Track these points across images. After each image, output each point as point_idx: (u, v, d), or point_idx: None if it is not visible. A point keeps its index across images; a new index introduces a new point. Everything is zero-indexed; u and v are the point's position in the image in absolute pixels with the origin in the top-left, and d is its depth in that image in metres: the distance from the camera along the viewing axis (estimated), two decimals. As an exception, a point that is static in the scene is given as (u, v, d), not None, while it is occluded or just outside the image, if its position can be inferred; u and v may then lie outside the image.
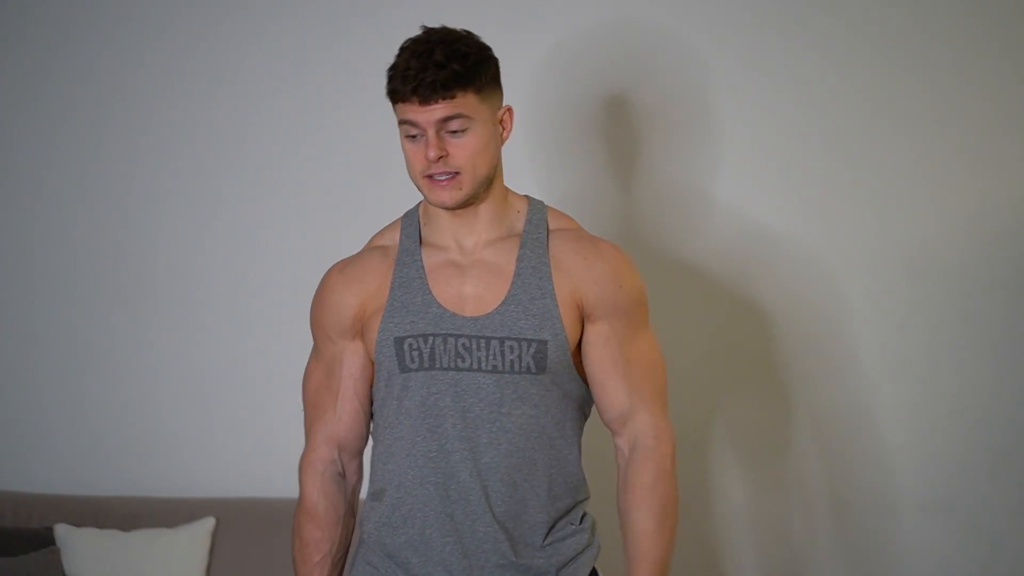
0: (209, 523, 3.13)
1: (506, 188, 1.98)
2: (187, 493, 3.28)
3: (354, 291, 1.96)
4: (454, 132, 1.84)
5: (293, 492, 3.21)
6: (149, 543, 3.08)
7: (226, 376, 3.32)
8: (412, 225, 1.99)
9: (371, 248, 2.02)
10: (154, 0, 3.28)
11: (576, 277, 1.93)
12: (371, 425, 2.02)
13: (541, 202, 2.01)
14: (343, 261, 2.03)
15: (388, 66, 1.86)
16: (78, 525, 3.10)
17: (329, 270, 2.03)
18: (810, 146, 3.14)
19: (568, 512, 1.98)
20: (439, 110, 1.82)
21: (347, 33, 3.23)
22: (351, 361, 1.97)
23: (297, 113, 3.27)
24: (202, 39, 3.28)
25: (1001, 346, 3.14)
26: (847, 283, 3.15)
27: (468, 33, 1.88)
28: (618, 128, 3.14)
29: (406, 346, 1.89)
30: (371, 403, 2.00)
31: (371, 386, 1.98)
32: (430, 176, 1.86)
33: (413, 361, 1.89)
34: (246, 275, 3.30)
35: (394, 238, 2.00)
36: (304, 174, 3.29)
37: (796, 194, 3.15)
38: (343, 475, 2.01)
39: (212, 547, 3.13)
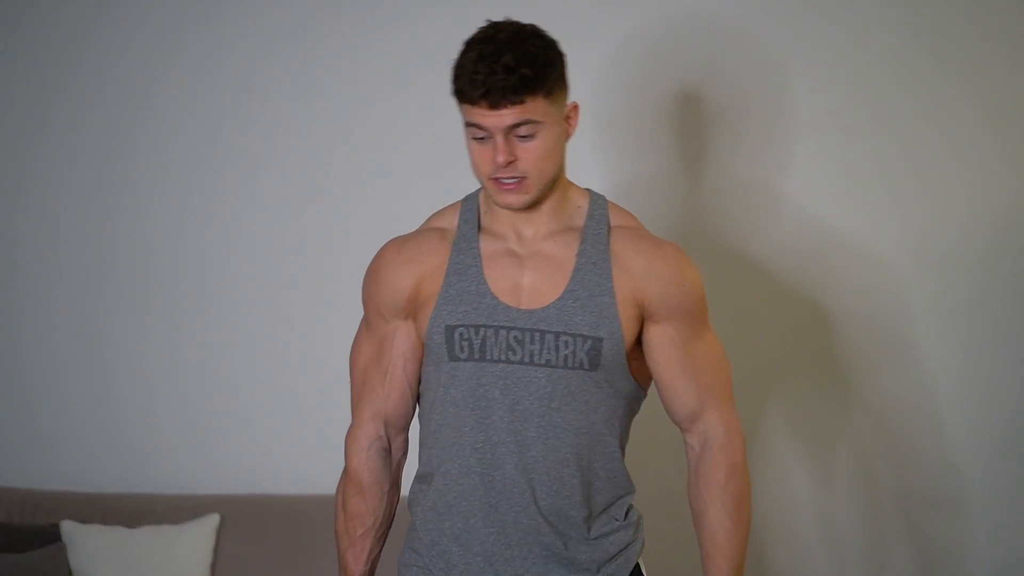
0: (214, 520, 3.14)
1: (568, 181, 1.95)
2: (192, 490, 3.28)
3: (410, 271, 1.94)
4: (523, 137, 1.81)
5: (297, 489, 3.26)
6: (154, 540, 3.08)
7: (231, 374, 3.32)
8: (471, 210, 1.97)
9: (429, 229, 1.99)
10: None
11: (637, 276, 1.91)
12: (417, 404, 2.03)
13: (603, 196, 1.99)
14: (400, 238, 2.00)
15: (454, 62, 1.82)
16: (84, 522, 3.11)
17: (385, 246, 2.00)
18: (879, 147, 3.17)
19: (610, 506, 1.97)
20: (508, 116, 1.78)
21: (360, 27, 3.26)
22: (402, 341, 1.96)
23: (305, 112, 3.28)
24: (219, 40, 3.29)
25: None
26: (912, 281, 3.18)
27: (535, 29, 1.84)
28: (688, 122, 3.16)
29: (456, 335, 1.88)
30: (419, 383, 1.99)
31: (420, 366, 1.97)
32: (496, 179, 1.84)
33: (463, 351, 1.88)
34: (250, 273, 3.31)
35: (452, 221, 1.98)
36: (309, 172, 3.30)
37: (862, 193, 3.18)
38: (388, 450, 2.00)
39: (217, 544, 3.13)
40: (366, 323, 2.00)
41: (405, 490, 2.03)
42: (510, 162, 1.80)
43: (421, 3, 3.23)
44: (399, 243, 1.98)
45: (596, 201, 1.97)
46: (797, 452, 3.25)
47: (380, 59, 3.25)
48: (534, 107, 1.79)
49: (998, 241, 3.15)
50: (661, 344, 1.93)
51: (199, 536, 3.11)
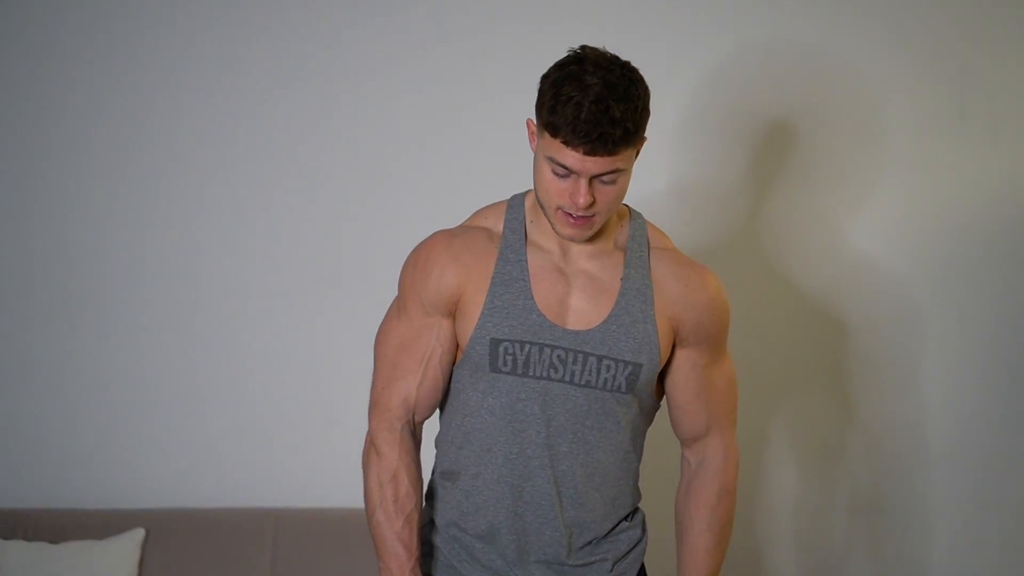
0: (139, 534, 3.12)
1: None
2: (116, 505, 3.26)
3: (458, 270, 1.94)
4: (604, 182, 1.83)
5: (222, 502, 3.25)
6: (78, 555, 3.06)
7: (154, 388, 3.30)
8: (517, 219, 1.98)
9: (476, 227, 2.00)
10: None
11: (675, 304, 1.97)
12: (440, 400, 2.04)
13: (640, 214, 2.04)
14: (449, 233, 2.00)
15: (548, 88, 1.81)
16: (6, 538, 3.08)
17: (434, 238, 2.00)
18: (887, 169, 3.27)
19: (628, 515, 2.07)
20: (600, 164, 1.80)
21: (348, 29, 3.26)
22: (442, 335, 1.96)
23: (283, 113, 3.26)
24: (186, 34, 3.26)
25: None
26: (919, 300, 3.29)
27: (634, 72, 1.83)
28: (761, 140, 3.25)
29: (501, 349, 1.91)
30: (450, 377, 2.00)
31: (454, 362, 1.98)
32: (566, 212, 1.85)
33: (506, 364, 1.91)
34: (176, 288, 3.28)
35: (498, 225, 1.99)
36: (267, 172, 3.28)
37: (874, 213, 3.28)
38: (415, 435, 2.01)
39: (142, 558, 3.11)
40: (402, 309, 1.99)
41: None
42: (590, 204, 1.83)
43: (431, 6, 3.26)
44: (448, 237, 1.98)
45: (636, 219, 2.02)
46: (791, 456, 3.35)
47: (350, 51, 3.27)
48: (624, 157, 1.82)
49: (953, 236, 3.28)
50: (683, 368, 2.01)
51: (124, 551, 3.09)
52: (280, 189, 3.27)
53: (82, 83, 3.24)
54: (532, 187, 1.96)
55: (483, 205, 2.07)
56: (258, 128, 3.25)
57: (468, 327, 1.93)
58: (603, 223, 1.91)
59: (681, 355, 2.01)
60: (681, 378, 2.02)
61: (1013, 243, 3.27)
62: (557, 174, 1.83)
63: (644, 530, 2.11)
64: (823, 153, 3.26)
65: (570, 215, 1.85)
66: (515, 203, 2.00)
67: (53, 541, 3.10)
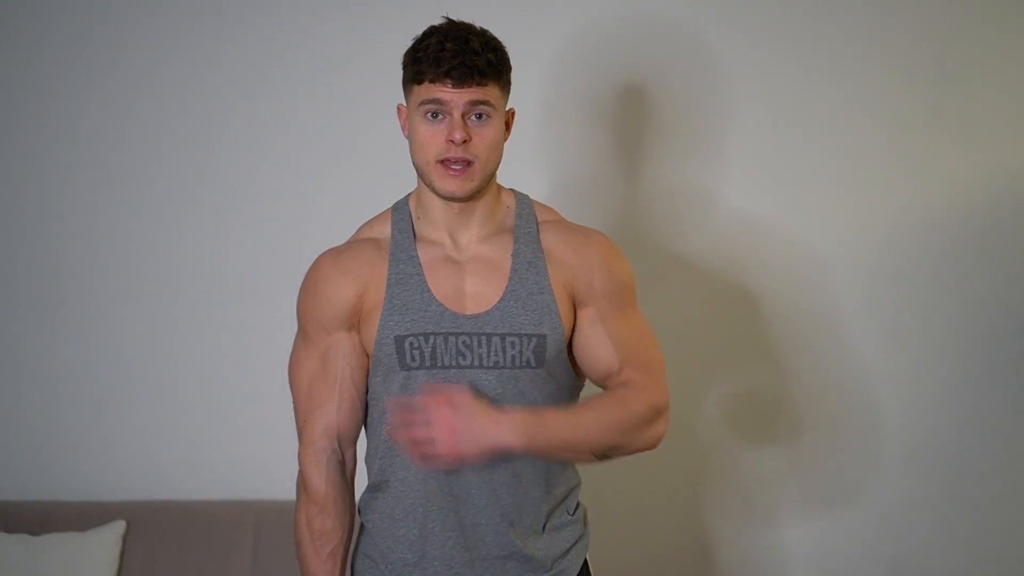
0: (119, 526, 3.14)
1: (498, 184, 2.01)
2: (97, 497, 3.27)
3: (351, 283, 1.95)
4: (479, 118, 1.87)
5: (203, 494, 3.27)
6: (59, 547, 3.07)
7: (136, 380, 3.31)
8: (404, 219, 1.99)
9: (361, 240, 2.01)
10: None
11: (568, 268, 1.98)
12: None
13: (526, 195, 2.06)
14: (333, 251, 2.01)
15: (408, 53, 1.90)
16: None
17: (319, 260, 2.00)
18: (803, 141, 3.27)
19: (564, 500, 2.04)
20: (471, 93, 1.85)
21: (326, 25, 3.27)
22: (348, 352, 1.96)
23: (258, 108, 3.28)
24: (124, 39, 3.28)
25: (996, 330, 3.32)
26: (835, 269, 3.30)
27: (487, 31, 1.92)
28: (625, 121, 3.24)
29: (407, 344, 1.91)
30: (366, 393, 2.00)
31: (367, 376, 1.98)
32: (444, 161, 1.87)
33: (414, 360, 1.91)
34: (156, 279, 3.30)
35: (384, 231, 2.00)
36: (239, 166, 3.30)
37: (790, 187, 3.29)
38: (343, 463, 2.01)
39: (123, 550, 3.13)
40: (304, 338, 2.00)
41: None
42: (465, 141, 1.85)
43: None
44: (333, 256, 1.99)
45: (522, 200, 2.04)
46: (738, 431, 3.36)
47: (345, 70, 3.29)
48: (492, 92, 1.87)
49: (920, 232, 3.28)
50: (583, 327, 1.99)
51: (104, 543, 3.10)
52: (260, 187, 3.29)
53: (68, 81, 3.26)
54: (416, 188, 2.00)
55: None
56: (236, 126, 3.27)
57: (372, 331, 1.93)
58: (484, 177, 1.91)
59: (581, 315, 2.00)
60: (583, 335, 1.99)
61: (982, 239, 3.30)
62: (430, 117, 1.86)
63: (587, 525, 2.10)
64: (674, 119, 3.26)
65: (449, 163, 1.87)
66: (399, 207, 2.03)
67: (34, 533, 3.11)
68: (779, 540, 3.38)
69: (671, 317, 3.16)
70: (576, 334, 2.00)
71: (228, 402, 3.33)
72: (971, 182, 3.28)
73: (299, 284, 3.18)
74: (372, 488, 2.02)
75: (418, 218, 1.99)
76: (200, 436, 3.33)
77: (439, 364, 1.91)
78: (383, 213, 2.04)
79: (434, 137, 1.87)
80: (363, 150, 3.27)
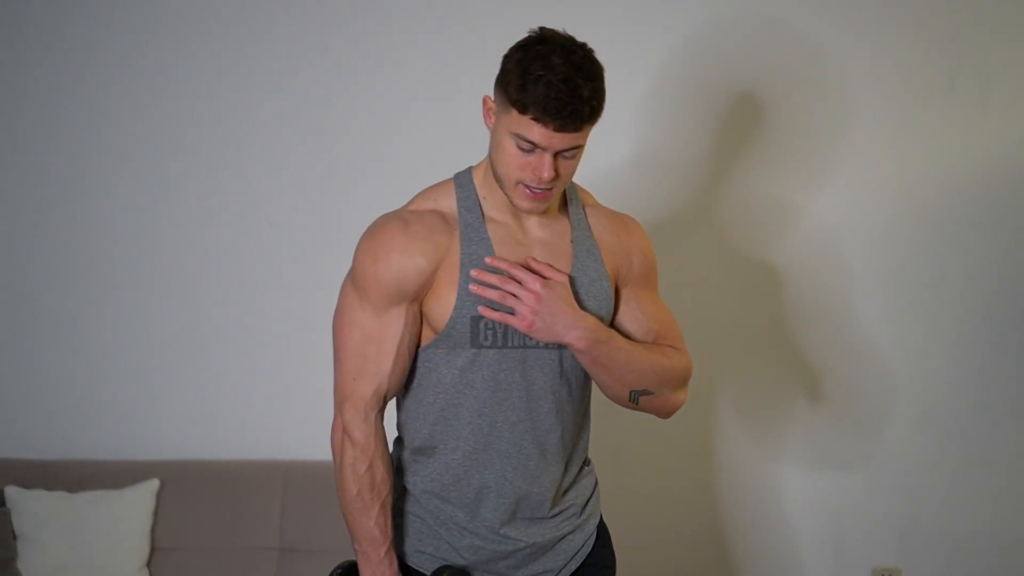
0: (153, 484, 3.20)
1: None
2: (132, 456, 3.33)
3: (425, 255, 1.94)
4: (566, 156, 1.90)
5: (235, 454, 3.34)
6: (96, 504, 3.14)
7: (170, 343, 3.37)
8: (470, 197, 2.00)
9: (428, 210, 1.99)
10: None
11: (614, 253, 2.08)
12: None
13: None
14: (401, 217, 1.98)
15: (513, 67, 1.84)
16: (27, 487, 3.15)
17: (388, 225, 1.97)
18: (813, 115, 3.31)
19: (585, 451, 2.15)
20: (568, 139, 1.86)
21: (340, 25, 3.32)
22: (410, 321, 1.96)
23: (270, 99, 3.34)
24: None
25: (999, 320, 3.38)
26: (848, 239, 3.34)
27: (592, 52, 1.88)
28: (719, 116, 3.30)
29: (482, 325, 1.95)
30: (414, 359, 2.01)
31: (419, 344, 2.00)
32: (527, 186, 1.91)
33: (487, 339, 1.96)
34: (191, 244, 3.36)
35: (449, 204, 2.00)
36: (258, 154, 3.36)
37: (802, 160, 3.33)
38: (382, 421, 2.02)
39: (156, 507, 3.20)
40: (363, 298, 1.97)
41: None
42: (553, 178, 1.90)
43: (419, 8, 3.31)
44: (402, 223, 1.97)
45: (570, 185, 2.09)
46: (753, 400, 3.43)
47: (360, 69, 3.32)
48: (586, 133, 1.89)
49: (933, 201, 3.32)
50: (622, 304, 2.09)
51: (139, 500, 3.16)
52: (280, 170, 3.34)
53: (86, 82, 3.32)
54: (480, 163, 2.02)
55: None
56: (274, 116, 3.33)
57: (444, 309, 1.95)
58: (557, 196, 1.98)
59: (622, 294, 2.10)
60: (622, 313, 2.09)
61: (996, 208, 3.32)
62: (522, 149, 1.88)
63: (595, 474, 2.20)
64: (798, 124, 3.31)
65: (530, 189, 1.91)
66: (463, 182, 2.03)
67: (72, 490, 3.18)
68: (793, 506, 3.45)
69: (691, 292, 3.23)
70: (619, 310, 2.10)
71: (258, 367, 3.39)
72: (986, 151, 3.30)
73: (326, 251, 3.31)
74: (416, 451, 2.06)
75: (484, 197, 2.01)
76: (231, 399, 3.40)
77: (509, 344, 1.97)
78: (444, 184, 2.04)
79: (524, 166, 1.89)
80: (383, 136, 3.32)
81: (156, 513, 3.21)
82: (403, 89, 3.31)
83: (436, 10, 3.29)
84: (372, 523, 1.99)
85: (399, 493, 2.09)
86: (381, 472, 1.99)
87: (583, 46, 1.88)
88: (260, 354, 3.38)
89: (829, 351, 3.38)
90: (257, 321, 3.38)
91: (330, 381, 3.30)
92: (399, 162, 3.31)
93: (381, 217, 2.01)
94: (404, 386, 2.05)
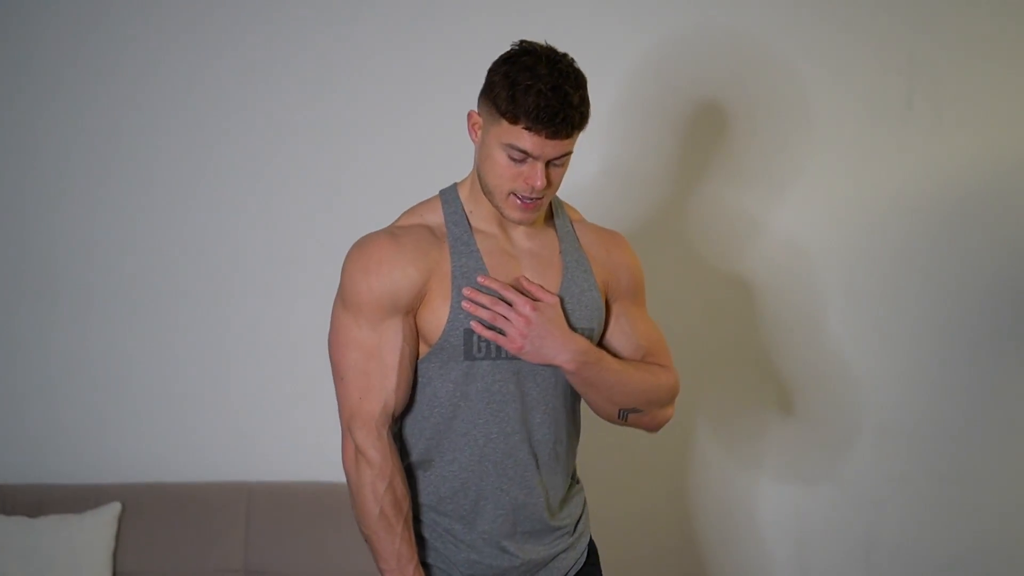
0: (115, 508, 3.17)
1: None
2: (93, 480, 3.30)
3: (418, 266, 1.96)
4: (556, 164, 1.93)
5: (196, 476, 3.32)
6: (56, 529, 3.09)
7: (130, 364, 3.34)
8: (457, 211, 2.02)
9: (415, 225, 2.01)
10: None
11: (603, 267, 2.10)
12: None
13: (555, 195, 2.12)
14: (388, 232, 2.00)
15: (501, 79, 1.87)
16: None
17: (378, 241, 1.99)
18: (776, 133, 3.33)
19: (574, 469, 2.17)
20: (559, 147, 1.90)
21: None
22: (408, 333, 1.97)
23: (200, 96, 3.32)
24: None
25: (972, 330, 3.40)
26: (814, 256, 3.36)
27: (574, 62, 1.92)
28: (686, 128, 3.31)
29: (475, 337, 1.97)
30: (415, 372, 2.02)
31: (418, 357, 2.01)
32: (518, 196, 1.93)
33: (480, 351, 1.97)
34: (147, 264, 3.32)
35: (436, 219, 2.02)
36: (187, 161, 3.33)
37: (768, 178, 3.34)
38: (391, 437, 2.02)
39: (118, 531, 3.16)
40: (358, 316, 1.97)
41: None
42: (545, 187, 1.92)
43: (410, 13, 3.31)
44: (391, 238, 1.98)
45: (555, 199, 2.12)
46: (723, 415, 3.45)
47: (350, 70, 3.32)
48: (575, 140, 1.93)
49: (895, 219, 3.36)
50: (612, 319, 2.12)
51: (101, 525, 3.13)
52: (250, 176, 3.32)
53: (67, 81, 3.29)
54: (465, 178, 2.05)
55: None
56: (234, 121, 3.30)
57: (437, 322, 1.97)
58: (547, 204, 2.00)
59: (612, 309, 2.12)
60: (611, 328, 2.12)
61: (956, 225, 3.36)
62: (514, 159, 1.91)
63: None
64: (761, 138, 3.33)
65: (521, 199, 1.94)
66: (448, 197, 2.05)
67: (32, 515, 3.14)
68: (762, 521, 3.46)
69: (666, 308, 3.24)
70: (609, 325, 2.12)
71: (221, 387, 3.36)
72: (943, 170, 3.34)
73: (291, 273, 3.30)
74: (413, 466, 2.06)
75: (471, 211, 2.03)
76: (194, 420, 3.37)
77: (503, 355, 1.99)
78: (430, 201, 2.06)
79: (515, 177, 1.92)
80: (371, 149, 3.31)
81: (118, 537, 3.17)
82: (388, 97, 3.31)
83: (421, 14, 3.30)
84: (399, 540, 2.00)
85: None
86: (400, 488, 2.00)
87: (566, 56, 1.92)
88: (223, 374, 3.36)
89: (795, 366, 3.39)
90: (220, 340, 3.36)
91: (292, 403, 3.34)
92: (370, 180, 3.30)
93: (367, 234, 2.02)
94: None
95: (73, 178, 3.31)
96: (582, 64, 1.95)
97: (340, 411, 2.01)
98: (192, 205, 3.33)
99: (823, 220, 3.36)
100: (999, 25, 3.32)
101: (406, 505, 2.01)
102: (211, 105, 3.30)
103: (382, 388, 1.97)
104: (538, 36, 2.00)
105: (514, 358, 1.99)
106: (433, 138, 3.23)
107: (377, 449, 1.97)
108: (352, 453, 2.00)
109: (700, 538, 3.46)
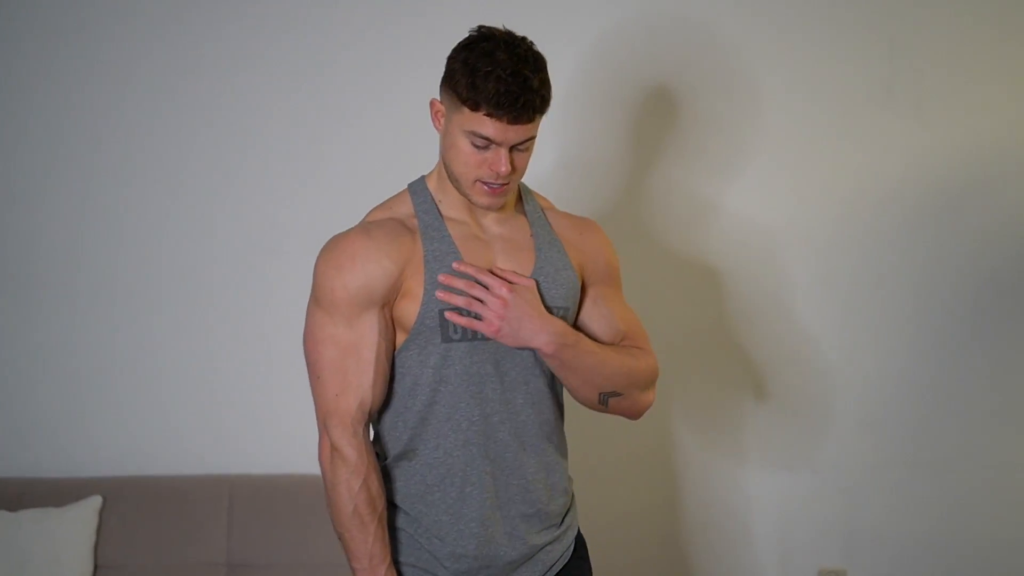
0: (96, 501, 3.17)
1: None
2: (73, 473, 3.30)
3: (393, 257, 1.96)
4: (520, 149, 1.93)
5: (178, 469, 3.32)
6: (37, 522, 3.09)
7: (110, 356, 3.33)
8: (426, 201, 2.03)
9: (387, 219, 2.01)
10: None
11: (577, 250, 2.11)
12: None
13: (524, 183, 2.14)
14: (363, 229, 2.00)
15: (460, 66, 1.87)
16: None
17: (350, 237, 1.98)
18: (752, 118, 3.33)
19: (566, 459, 2.16)
20: (522, 131, 1.89)
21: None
22: (384, 327, 1.97)
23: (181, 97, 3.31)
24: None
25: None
26: (788, 244, 3.37)
27: (534, 46, 1.92)
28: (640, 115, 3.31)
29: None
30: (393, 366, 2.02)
31: (395, 350, 2.00)
32: (484, 182, 1.94)
33: (456, 332, 1.97)
34: (129, 258, 3.32)
35: (406, 211, 2.02)
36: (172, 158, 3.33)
37: (741, 165, 3.34)
38: (368, 434, 2.02)
39: (99, 525, 3.16)
40: (333, 313, 1.97)
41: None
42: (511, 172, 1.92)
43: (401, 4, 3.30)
44: (364, 233, 1.98)
45: (523, 187, 2.14)
46: (699, 404, 3.46)
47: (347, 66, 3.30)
48: (537, 124, 1.93)
49: (871, 207, 3.36)
50: (588, 304, 2.12)
51: (82, 518, 3.13)
52: (231, 170, 3.31)
53: (45, 76, 3.27)
54: (432, 170, 2.06)
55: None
56: (212, 117, 3.29)
57: (413, 307, 1.96)
58: (514, 189, 2.01)
59: (588, 293, 2.13)
60: (588, 313, 2.13)
61: (933, 214, 3.37)
62: (477, 146, 1.91)
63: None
64: (738, 128, 3.34)
65: (487, 185, 1.94)
66: (417, 189, 2.06)
67: (11, 509, 3.13)
68: (741, 508, 3.48)
69: (634, 297, 3.24)
70: (581, 311, 2.13)
71: (202, 378, 3.36)
72: (922, 158, 3.35)
73: (271, 267, 3.30)
74: (397, 458, 2.06)
75: (439, 200, 2.04)
76: (174, 412, 3.37)
77: (478, 336, 1.99)
78: (399, 195, 2.07)
79: (480, 163, 1.92)
80: (349, 142, 3.31)
81: (99, 531, 3.17)
82: (364, 88, 3.31)
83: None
84: (372, 539, 1.99)
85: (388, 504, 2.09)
86: (375, 487, 2.00)
87: (524, 39, 1.92)
88: (204, 367, 3.36)
89: (769, 353, 3.41)
90: (201, 334, 3.36)
91: (272, 396, 3.33)
92: (347, 173, 3.30)
93: (337, 234, 2.02)
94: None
95: (54, 173, 3.30)
96: None
97: (316, 409, 2.01)
98: (173, 199, 3.32)
99: (800, 206, 3.36)
100: (982, 11, 3.33)
101: (380, 504, 2.01)
102: (189, 101, 3.29)
103: (359, 385, 1.97)
104: (474, 17, 2.02)
105: (491, 338, 1.98)
106: (410, 129, 3.21)
107: (353, 447, 1.97)
108: (328, 451, 2.00)
109: (679, 527, 3.48)
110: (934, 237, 3.38)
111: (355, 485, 1.97)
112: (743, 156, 3.35)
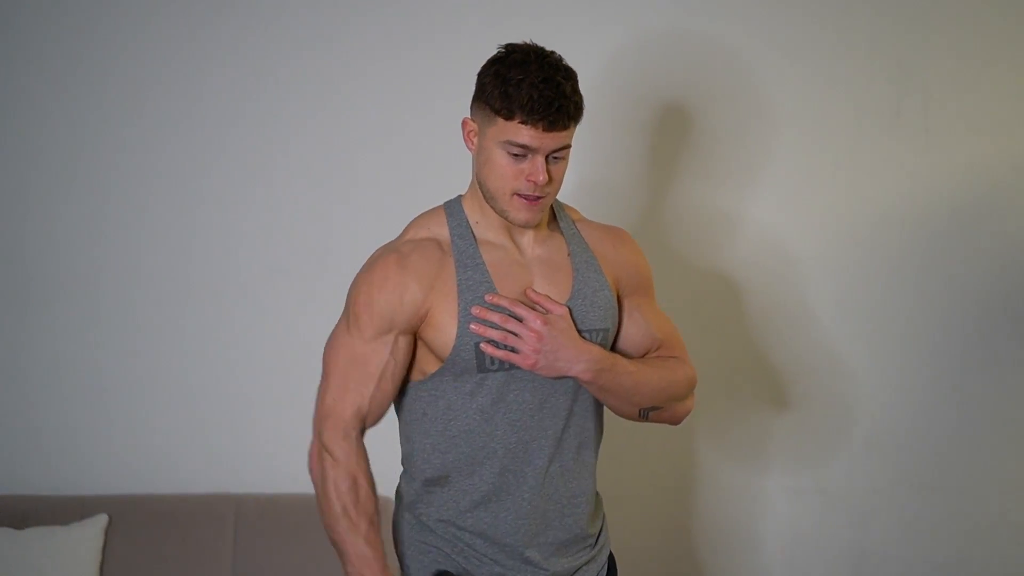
0: (102, 520, 3.16)
1: None
2: (79, 491, 3.29)
3: (421, 286, 1.97)
4: (556, 158, 1.93)
5: (184, 488, 3.31)
6: (42, 541, 3.08)
7: (116, 373, 3.32)
8: (461, 224, 2.03)
9: (424, 239, 2.03)
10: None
11: (612, 264, 2.10)
12: (402, 411, 2.07)
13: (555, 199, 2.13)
14: (398, 249, 2.02)
15: (491, 79, 1.89)
16: None
17: (386, 255, 2.01)
18: (769, 140, 3.34)
19: (594, 483, 2.15)
20: (557, 139, 1.90)
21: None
22: (397, 350, 1.99)
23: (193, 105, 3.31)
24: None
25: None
26: (805, 264, 3.37)
27: (561, 58, 1.94)
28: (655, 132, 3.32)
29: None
30: (402, 389, 2.03)
31: (405, 374, 2.02)
32: (522, 195, 1.94)
33: (493, 363, 1.97)
34: (128, 273, 3.31)
35: (442, 232, 2.03)
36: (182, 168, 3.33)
37: (761, 185, 3.35)
38: (362, 443, 2.03)
39: (105, 543, 3.15)
40: (354, 324, 2.00)
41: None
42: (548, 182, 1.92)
43: (409, 24, 3.31)
44: (399, 256, 2.00)
45: (556, 203, 2.12)
46: (715, 421, 3.44)
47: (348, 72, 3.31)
48: (572, 132, 1.94)
49: (885, 228, 3.37)
50: (630, 314, 2.12)
51: (87, 536, 3.12)
52: (244, 186, 3.31)
53: (55, 82, 3.28)
54: (467, 191, 2.05)
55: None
56: (227, 129, 3.29)
57: (446, 337, 1.96)
58: (551, 204, 2.01)
59: (625, 305, 2.13)
60: (626, 324, 2.12)
61: (942, 235, 3.37)
62: (513, 155, 1.91)
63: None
64: (748, 146, 3.35)
65: (525, 198, 1.94)
66: (453, 210, 2.06)
67: (17, 527, 3.12)
68: (751, 527, 3.45)
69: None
70: (623, 320, 2.12)
71: (208, 397, 3.35)
72: (932, 177, 3.35)
73: (278, 285, 3.29)
74: (429, 483, 2.04)
75: (476, 222, 2.03)
76: (180, 431, 3.36)
77: (515, 366, 1.98)
78: (435, 211, 2.07)
79: (517, 175, 1.92)
80: (376, 151, 3.31)
81: (105, 549, 3.15)
82: (391, 103, 3.31)
83: (422, 17, 3.30)
84: (362, 541, 1.98)
85: (412, 526, 2.07)
86: (365, 488, 1.99)
87: (553, 52, 1.94)
88: (211, 385, 3.35)
89: (781, 374, 3.40)
90: (208, 352, 3.35)
91: (278, 415, 3.33)
92: (366, 192, 3.31)
93: (378, 250, 2.05)
94: (410, 418, 2.05)
95: (42, 184, 3.29)
96: None
97: (314, 412, 2.03)
98: (182, 213, 3.31)
99: (811, 229, 3.36)
100: (990, 34, 3.33)
101: (371, 507, 1.99)
102: (206, 110, 3.29)
103: (358, 393, 1.99)
104: (491, 50, 2.00)
105: None
106: (433, 145, 3.23)
107: (342, 448, 1.98)
108: (317, 452, 2.01)
109: (694, 544, 3.45)
110: (946, 257, 3.38)
111: (343, 485, 1.97)
112: (758, 173, 3.35)
